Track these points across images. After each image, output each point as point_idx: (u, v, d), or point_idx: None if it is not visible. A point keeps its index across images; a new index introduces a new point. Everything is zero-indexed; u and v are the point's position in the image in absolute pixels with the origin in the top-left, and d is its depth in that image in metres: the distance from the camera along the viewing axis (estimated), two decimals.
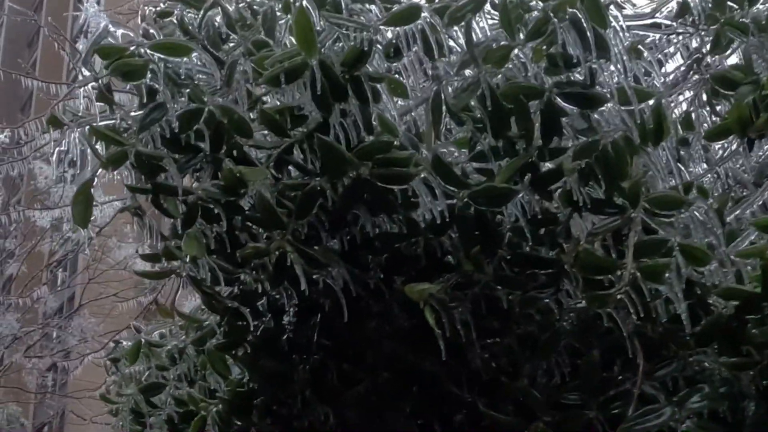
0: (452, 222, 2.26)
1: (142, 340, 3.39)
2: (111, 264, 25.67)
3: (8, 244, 26.43)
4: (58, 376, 30.89)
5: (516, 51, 2.28)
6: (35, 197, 26.18)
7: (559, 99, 2.25)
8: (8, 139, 22.28)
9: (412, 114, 2.55)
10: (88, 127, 2.27)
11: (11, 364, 25.60)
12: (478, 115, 2.28)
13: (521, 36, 2.26)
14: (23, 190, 27.26)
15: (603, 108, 2.34)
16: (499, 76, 2.28)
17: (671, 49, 3.20)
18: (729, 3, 2.85)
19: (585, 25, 2.19)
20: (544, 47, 2.29)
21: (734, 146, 2.90)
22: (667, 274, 2.12)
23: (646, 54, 2.68)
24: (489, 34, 2.38)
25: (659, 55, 3.13)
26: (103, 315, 25.89)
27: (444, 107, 2.33)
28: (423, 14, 2.28)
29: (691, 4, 3.01)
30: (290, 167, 2.33)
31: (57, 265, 29.54)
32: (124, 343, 5.39)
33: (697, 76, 2.95)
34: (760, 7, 2.76)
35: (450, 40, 2.34)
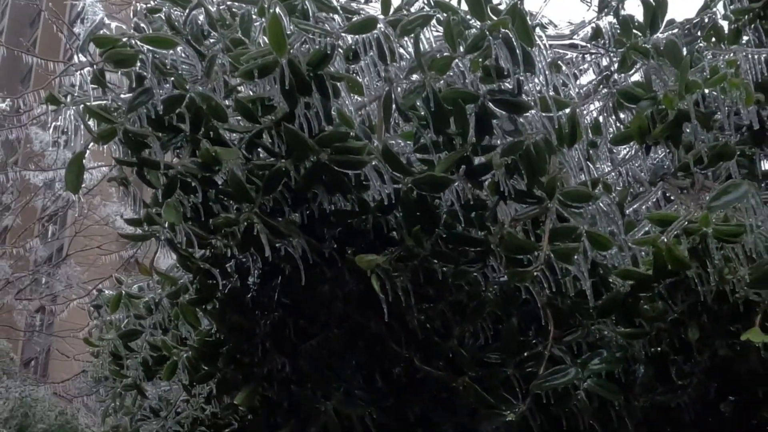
0: (397, 203, 2.25)
1: (123, 291, 3.34)
2: (96, 220, 25.76)
3: (5, 199, 26.21)
4: (45, 318, 30.88)
5: (456, 61, 2.28)
6: (31, 159, 26.03)
7: (491, 104, 2.27)
8: (9, 108, 22.25)
9: (366, 109, 2.56)
10: (82, 105, 2.22)
11: (3, 305, 25.45)
12: (423, 114, 2.29)
13: (461, 49, 2.28)
14: (20, 152, 26.95)
15: (527, 113, 2.34)
16: (442, 81, 2.29)
17: (585, 66, 3.24)
18: (634, 30, 2.91)
19: (515, 43, 2.23)
20: (480, 59, 2.30)
21: (634, 151, 2.96)
22: (575, 256, 2.14)
23: (564, 69, 2.70)
24: (434, 45, 2.39)
25: (575, 71, 3.18)
26: (87, 265, 25.96)
27: (394, 105, 2.34)
28: (379, 25, 2.29)
29: (603, 30, 3.10)
30: (259, 149, 2.32)
31: (48, 220, 29.52)
32: (107, 291, 5.33)
33: (605, 90, 2.99)
34: (659, 35, 2.81)
35: (401, 48, 2.33)
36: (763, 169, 2.92)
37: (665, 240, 2.05)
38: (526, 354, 2.25)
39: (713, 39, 3.01)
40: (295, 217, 2.33)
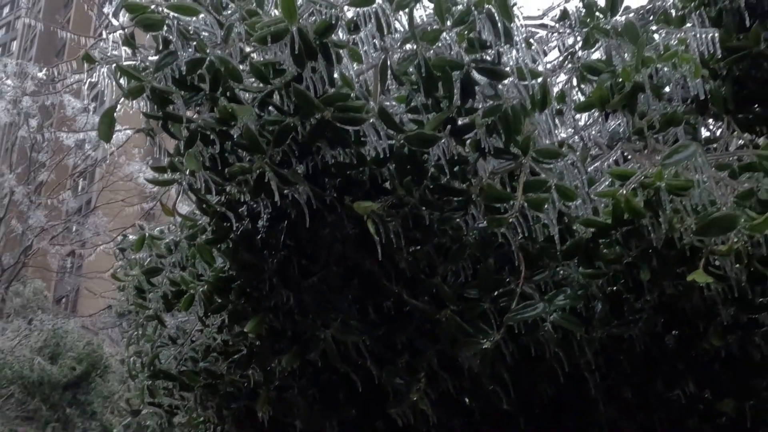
0: (391, 157, 2.23)
1: (147, 233, 3.29)
2: (120, 177, 26.04)
3: (41, 157, 26.41)
4: (75, 261, 31.23)
5: (444, 34, 2.27)
6: (64, 122, 26.00)
7: (474, 72, 2.26)
8: (45, 77, 22.32)
9: (365, 75, 2.50)
10: (114, 65, 2.16)
11: (38, 250, 25.79)
12: (414, 79, 2.28)
13: (449, 23, 2.27)
14: (55, 116, 26.86)
15: (505, 81, 2.34)
16: (431, 51, 2.27)
17: (552, 44, 3.21)
18: (597, 13, 2.87)
19: (497, 18, 2.22)
20: (466, 32, 2.29)
21: (593, 119, 2.95)
22: (546, 205, 2.11)
23: (534, 46, 2.66)
24: (425, 19, 2.36)
25: (544, 48, 3.15)
26: (112, 215, 26.37)
27: (389, 72, 2.31)
28: (377, 0, 2.25)
29: (570, 12, 3.05)
30: (270, 107, 2.27)
31: (78, 176, 29.66)
32: (130, 236, 5.29)
33: (570, 65, 2.96)
34: (618, 18, 2.78)
35: (396, 21, 2.30)
36: (704, 135, 2.96)
37: (624, 192, 2.03)
38: (500, 291, 2.22)
39: (663, 23, 3.01)
40: (301, 168, 2.29)
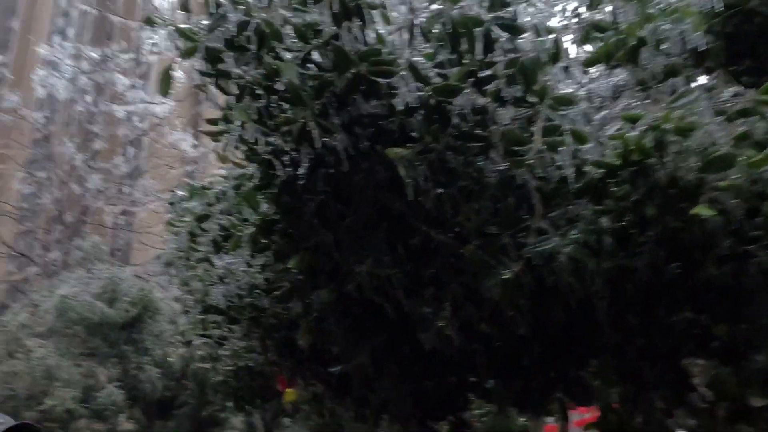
0: (419, 108, 2.17)
1: (198, 184, 3.28)
2: (165, 144, 26.30)
3: (95, 128, 26.70)
4: (127, 218, 31.59)
5: None
6: (115, 97, 26.08)
7: (495, 28, 2.19)
8: (98, 57, 22.48)
9: (395, 34, 2.43)
10: (173, 27, 2.12)
11: (95, 209, 26.19)
12: (440, 36, 2.23)
13: None
14: (107, 92, 26.87)
15: (522, 36, 2.24)
16: (455, 10, 2.19)
17: (558, 7, 3.12)
18: None
19: None
20: None
21: (599, 74, 2.88)
22: (562, 148, 2.06)
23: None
24: None
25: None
26: (159, 178, 26.55)
27: (417, 30, 2.26)
28: None
29: None
30: (311, 64, 2.21)
31: (129, 144, 29.87)
32: (179, 192, 5.28)
33: (578, 25, 2.87)
34: None
35: None
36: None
37: (634, 134, 1.99)
38: (519, 227, 2.19)
39: None
40: (338, 120, 2.24)
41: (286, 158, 2.39)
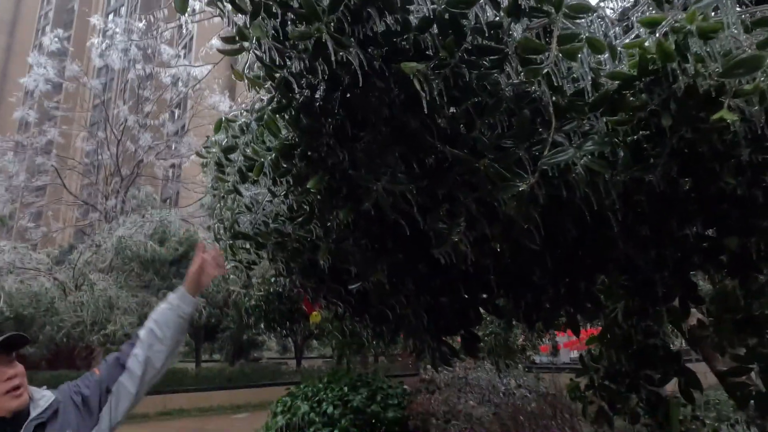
0: (433, 21, 1.84)
1: (223, 117, 2.99)
2: (206, 106, 26.35)
3: (145, 92, 26.70)
4: (175, 171, 31.85)
5: None
6: (161, 65, 25.85)
7: None
8: (144, 26, 22.20)
9: None
10: None
11: (148, 163, 26.31)
12: None
13: None
14: (155, 60, 26.55)
15: None
16: None
17: None
18: None
19: None
20: None
21: None
22: (579, 55, 1.75)
23: None
24: None
25: None
26: (201, 136, 26.80)
27: None
28: None
29: None
30: None
31: (175, 106, 29.86)
32: (213, 138, 4.97)
33: None
34: None
35: None
36: None
37: (654, 38, 1.67)
38: (534, 140, 1.89)
39: None
40: (354, 35, 1.93)
41: (303, 81, 2.09)
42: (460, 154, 1.92)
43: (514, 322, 2.90)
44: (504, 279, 2.45)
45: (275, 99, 2.20)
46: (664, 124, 1.78)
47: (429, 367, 8.68)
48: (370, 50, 1.96)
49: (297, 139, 2.31)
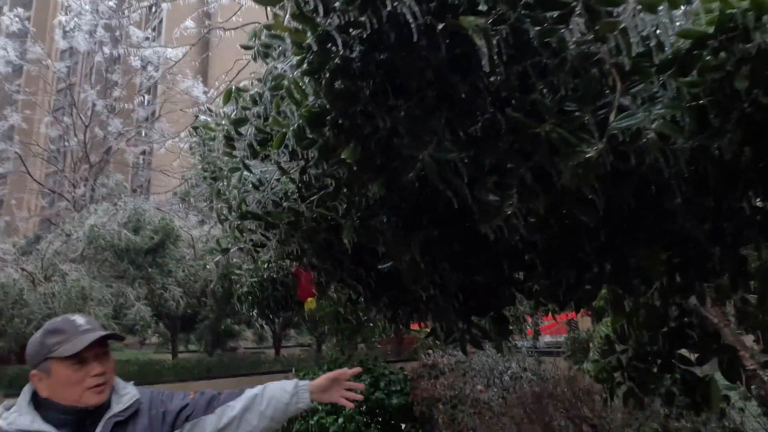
0: None
1: (233, 86, 2.80)
2: (177, 91, 25.94)
3: (114, 77, 26.13)
4: (146, 158, 31.44)
5: None
6: (130, 47, 25.25)
7: None
8: (116, 4, 21.77)
9: None
10: None
11: (117, 149, 25.85)
12: None
13: None
14: (123, 43, 25.89)
15: None
16: None
17: None
18: None
19: None
20: None
21: None
22: (660, 7, 1.61)
23: None
24: None
25: None
26: (173, 122, 26.21)
27: None
28: None
29: None
30: None
31: (146, 92, 29.28)
32: (201, 117, 4.76)
33: None
34: None
35: None
36: None
37: None
38: (600, 103, 1.75)
39: None
40: None
41: (341, 39, 1.92)
42: (519, 117, 1.78)
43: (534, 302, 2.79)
44: (546, 256, 2.33)
45: (307, 60, 2.02)
46: (739, 87, 1.66)
47: (430, 351, 8.60)
48: (417, 5, 1.80)
49: (328, 106, 2.14)
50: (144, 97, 30.59)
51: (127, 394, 2.22)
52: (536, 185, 1.91)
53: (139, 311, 16.54)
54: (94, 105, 25.39)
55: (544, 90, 1.82)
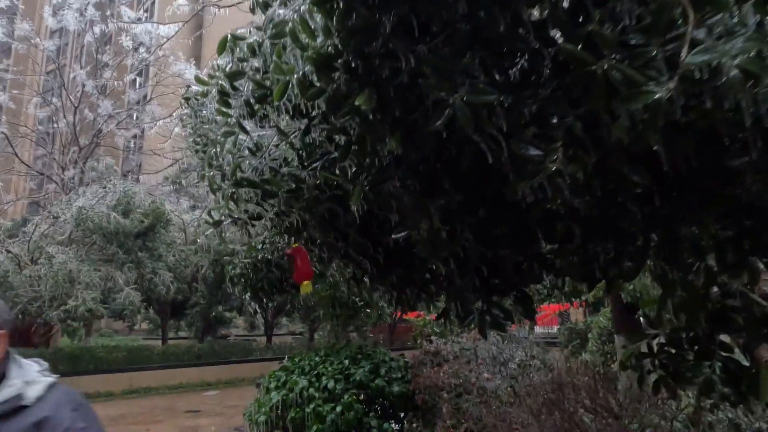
0: None
1: (229, 35, 2.50)
2: (169, 74, 25.64)
3: (104, 57, 25.77)
4: (137, 141, 31.19)
5: None
6: (122, 29, 24.90)
7: None
8: None
9: None
10: None
11: (108, 132, 25.55)
12: None
13: None
14: (114, 24, 25.42)
15: None
16: None
17: None
18: None
19: None
20: None
21: None
22: None
23: None
24: None
25: None
26: (164, 105, 25.86)
27: None
28: None
29: None
30: None
31: (137, 73, 28.90)
32: (193, 88, 4.49)
33: None
34: None
35: None
36: None
37: None
38: (669, 36, 1.47)
39: None
40: None
41: None
42: (573, 50, 1.49)
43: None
44: (584, 225, 2.05)
45: None
46: None
47: (434, 338, 8.35)
48: None
49: (340, 46, 1.85)
50: (135, 79, 30.18)
51: (13, 386, 1.96)
52: (586, 136, 1.63)
53: (129, 296, 16.24)
54: (83, 86, 24.90)
55: (602, 21, 1.53)
